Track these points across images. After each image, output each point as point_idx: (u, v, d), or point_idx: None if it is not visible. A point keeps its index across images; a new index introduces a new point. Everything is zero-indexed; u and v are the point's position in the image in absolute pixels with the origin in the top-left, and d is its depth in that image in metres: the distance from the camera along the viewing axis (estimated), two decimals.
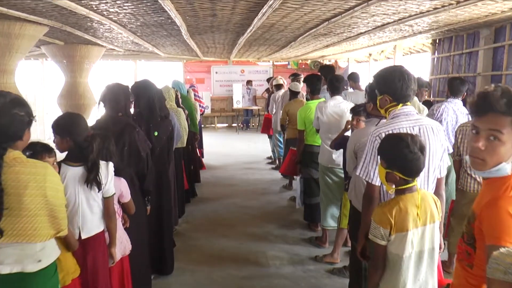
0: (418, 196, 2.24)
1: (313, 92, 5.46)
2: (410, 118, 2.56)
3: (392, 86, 2.58)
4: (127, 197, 3.11)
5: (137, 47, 9.82)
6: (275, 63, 17.21)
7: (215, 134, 15.16)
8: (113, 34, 7.26)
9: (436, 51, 8.64)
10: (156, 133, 3.88)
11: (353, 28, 6.46)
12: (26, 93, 14.09)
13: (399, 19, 5.72)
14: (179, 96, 6.74)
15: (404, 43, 10.05)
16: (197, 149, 7.71)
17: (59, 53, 9.27)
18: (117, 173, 3.07)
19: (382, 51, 11.84)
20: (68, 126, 2.67)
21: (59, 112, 10.27)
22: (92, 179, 2.62)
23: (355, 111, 4.10)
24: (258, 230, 5.76)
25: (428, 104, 5.53)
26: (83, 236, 2.68)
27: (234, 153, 11.38)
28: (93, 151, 2.61)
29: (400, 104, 2.59)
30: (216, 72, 16.55)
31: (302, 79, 8.53)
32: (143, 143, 3.43)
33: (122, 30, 6.56)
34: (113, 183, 2.83)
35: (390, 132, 2.48)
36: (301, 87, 7.50)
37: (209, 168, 9.42)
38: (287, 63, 17.05)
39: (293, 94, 7.34)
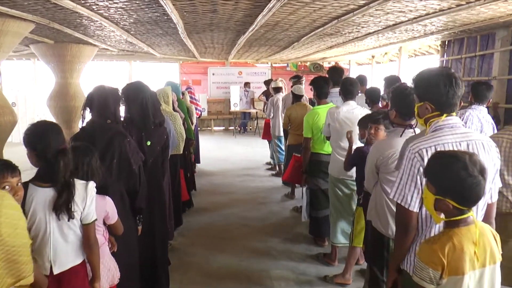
0: (475, 230, 1.79)
1: (320, 96, 5.02)
2: (456, 131, 2.12)
3: (436, 92, 2.13)
4: (113, 217, 2.66)
5: (131, 47, 9.35)
6: (273, 65, 16.78)
7: (212, 138, 14.70)
8: (105, 32, 6.80)
9: (445, 54, 8.23)
10: (149, 143, 3.42)
11: (363, 27, 6.03)
12: (15, 94, 13.67)
13: (414, 18, 5.30)
14: (175, 99, 6.31)
15: (410, 45, 9.66)
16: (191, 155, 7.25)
17: (49, 53, 8.79)
18: (104, 190, 2.62)
19: (386, 53, 11.44)
20: (34, 137, 2.22)
21: (50, 115, 9.83)
22: (61, 205, 2.16)
23: (373, 118, 3.66)
24: (260, 244, 5.31)
25: None
26: (56, 271, 2.22)
27: (232, 157, 10.92)
28: (60, 169, 2.14)
29: (445, 115, 2.15)
30: (213, 74, 16.10)
31: (303, 81, 8.13)
32: (135, 155, 2.97)
33: (114, 28, 6.10)
34: (96, 205, 2.38)
35: (433, 148, 2.04)
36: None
37: (206, 174, 8.98)
38: (286, 65, 16.62)
39: (296, 97, 6.91)
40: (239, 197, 7.40)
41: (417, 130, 3.06)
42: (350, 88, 4.51)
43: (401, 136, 3.00)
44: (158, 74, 16.77)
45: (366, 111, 4.55)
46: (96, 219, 2.36)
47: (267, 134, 9.27)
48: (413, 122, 3.08)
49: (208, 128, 16.44)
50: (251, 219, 6.27)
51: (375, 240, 3.29)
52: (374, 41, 7.90)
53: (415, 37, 7.37)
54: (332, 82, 5.25)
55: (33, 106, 14.09)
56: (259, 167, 9.76)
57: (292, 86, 7.97)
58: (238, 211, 6.61)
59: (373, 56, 12.18)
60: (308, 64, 16.51)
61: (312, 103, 7.45)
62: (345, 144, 4.41)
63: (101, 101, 2.97)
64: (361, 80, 6.90)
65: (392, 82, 5.38)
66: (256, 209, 6.72)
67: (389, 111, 3.16)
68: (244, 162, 10.31)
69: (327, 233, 5.17)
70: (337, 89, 5.47)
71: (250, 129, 16.34)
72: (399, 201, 2.14)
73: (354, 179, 4.32)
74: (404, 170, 2.14)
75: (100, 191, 2.60)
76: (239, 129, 15.72)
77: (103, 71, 16.22)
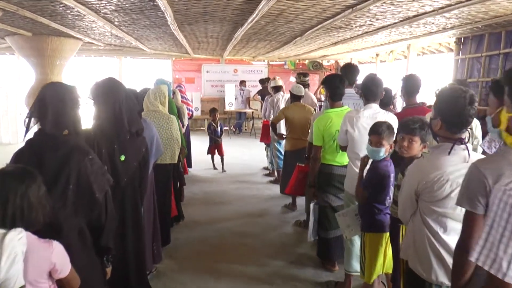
0: None
1: (334, 98, 4.27)
2: None
3: None
4: (64, 270, 1.91)
5: (118, 41, 8.58)
6: (270, 63, 16.03)
7: (205, 138, 13.81)
8: (85, 22, 6.03)
9: (460, 52, 7.52)
10: (123, 158, 2.68)
11: (378, 19, 5.31)
12: None
13: (440, 8, 4.58)
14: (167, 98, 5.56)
15: (418, 43, 8.95)
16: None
17: (27, 46, 8.01)
18: (55, 228, 1.89)
19: (392, 51, 10.72)
20: None
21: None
22: None
23: (407, 127, 2.94)
24: (260, 270, 4.56)
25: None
26: None
27: (226, 161, 10.08)
28: None
29: None
30: (207, 71, 15.32)
31: (308, 80, 7.42)
32: (100, 177, 2.22)
33: (94, 17, 5.34)
34: (37, 258, 1.64)
35: None
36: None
37: (198, 181, 8.23)
38: (283, 62, 15.87)
39: (295, 98, 6.19)
40: (234, 208, 6.65)
41: (469, 146, 2.34)
42: (373, 89, 3.79)
43: (449, 153, 2.28)
44: (149, 71, 15.99)
45: (392, 116, 3.83)
46: (23, 286, 1.61)
47: (265, 136, 8.53)
48: (464, 135, 2.36)
49: (202, 128, 15.66)
50: (249, 235, 5.53)
51: (412, 285, 2.57)
52: (384, 37, 7.18)
53: (431, 32, 6.66)
54: (349, 82, 4.51)
55: (15, 104, 13.23)
56: (256, 173, 9.01)
57: (303, 84, 7.25)
58: (234, 226, 5.87)
59: (377, 54, 11.46)
60: (306, 62, 15.78)
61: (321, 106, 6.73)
62: (363, 152, 3.70)
63: (56, 105, 2.21)
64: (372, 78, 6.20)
65: (412, 82, 4.66)
66: (254, 223, 5.98)
67: (431, 120, 2.43)
68: (239, 167, 9.56)
69: (338, 256, 4.46)
70: (351, 90, 4.76)
71: (246, 129, 15.59)
72: (487, 267, 1.41)
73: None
74: (494, 219, 1.41)
75: (49, 230, 1.87)
76: (234, 129, 14.95)
77: (90, 67, 15.44)
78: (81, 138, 2.29)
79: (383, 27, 5.95)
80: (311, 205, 4.50)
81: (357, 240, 3.86)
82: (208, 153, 9.05)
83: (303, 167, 5.57)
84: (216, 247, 5.14)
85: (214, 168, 8.97)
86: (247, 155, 10.87)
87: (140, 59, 15.36)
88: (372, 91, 3.79)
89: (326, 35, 6.86)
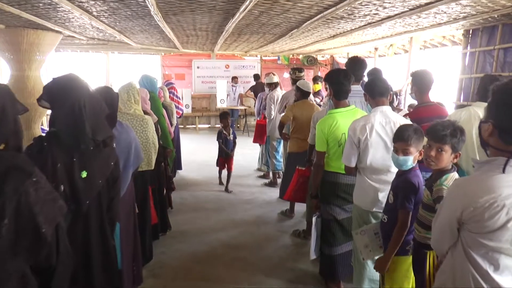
0: None
1: (339, 96, 3.73)
2: None
3: None
4: None
5: (101, 34, 7.97)
6: (263, 58, 15.46)
7: (196, 137, 13.37)
8: (60, 13, 5.44)
9: (469, 45, 7.01)
10: (84, 174, 2.12)
11: (385, 8, 4.77)
12: None
13: None
14: (147, 98, 5.01)
15: (422, 35, 8.44)
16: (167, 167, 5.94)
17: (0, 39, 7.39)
18: None
19: (392, 45, 10.20)
20: None
21: None
22: None
23: (435, 134, 2.41)
24: None
25: None
26: None
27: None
28: None
29: None
30: (198, 67, 14.73)
31: (304, 75, 6.89)
32: (48, 207, 1.67)
33: (69, 6, 4.75)
34: None
35: None
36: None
37: (187, 184, 7.68)
38: (277, 57, 15.30)
39: (304, 94, 5.66)
40: (227, 215, 6.10)
41: None
42: (382, 86, 3.26)
43: (504, 171, 1.74)
44: (137, 67, 15.36)
45: (402, 119, 3.30)
46: None
47: (259, 137, 7.99)
48: None
49: (193, 125, 15.10)
50: (243, 247, 5.00)
51: None
52: (388, 29, 6.64)
53: (440, 23, 6.13)
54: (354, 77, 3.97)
55: None
56: (250, 175, 8.47)
57: (293, 80, 6.72)
58: (226, 236, 5.33)
59: (376, 49, 10.93)
60: (301, 57, 15.22)
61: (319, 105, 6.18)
62: (382, 166, 3.18)
63: None
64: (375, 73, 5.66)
65: (425, 78, 4.16)
66: (248, 233, 5.45)
67: (481, 123, 1.86)
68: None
69: (344, 275, 3.95)
70: (357, 87, 4.23)
71: (238, 126, 15.03)
72: None
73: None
74: None
75: None
76: None
77: (76, 63, 14.80)
78: (22, 155, 1.74)
79: (389, 17, 5.41)
80: (314, 219, 3.97)
81: (369, 262, 3.34)
82: (216, 165, 7.75)
83: (303, 171, 5.07)
84: (206, 262, 4.60)
85: (220, 183, 7.71)
86: (240, 155, 10.29)
87: (128, 55, 14.76)
88: (380, 90, 3.26)
89: (325, 27, 6.31)
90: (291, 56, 15.23)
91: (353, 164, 3.35)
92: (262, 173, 8.29)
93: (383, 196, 3.20)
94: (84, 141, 2.11)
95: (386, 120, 3.19)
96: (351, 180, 3.71)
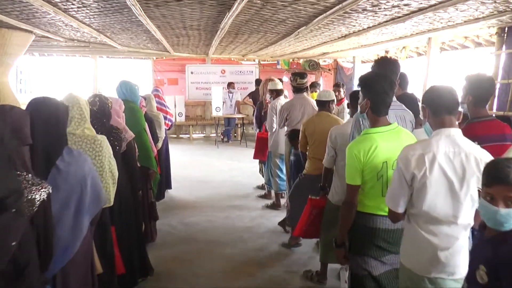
0: None
1: (379, 111, 2.69)
2: None
3: None
4: None
5: (78, 34, 6.96)
6: (261, 62, 14.47)
7: (190, 148, 12.33)
8: (17, 5, 4.44)
9: (504, 45, 6.04)
10: None
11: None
12: None
13: None
14: (121, 111, 3.98)
15: (441, 36, 7.48)
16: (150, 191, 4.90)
17: None
18: None
19: (404, 47, 9.23)
20: None
21: None
22: None
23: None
24: None
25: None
26: None
27: (213, 178, 8.58)
28: None
29: None
30: (192, 72, 13.72)
31: (307, 82, 5.89)
32: None
33: None
34: None
35: None
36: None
37: (177, 207, 6.64)
38: (276, 62, 14.31)
39: (321, 105, 4.66)
40: (221, 250, 5.05)
41: None
42: (453, 102, 2.24)
43: None
44: (127, 72, 14.39)
45: (487, 153, 2.26)
46: None
47: (260, 152, 6.98)
48: None
49: (187, 134, 14.08)
50: None
51: None
52: (411, 26, 5.66)
53: (470, 20, 5.17)
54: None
55: None
56: (248, 194, 7.43)
57: (294, 88, 5.72)
58: (221, 280, 4.30)
59: (387, 52, 9.94)
60: (301, 61, 14.24)
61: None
62: (445, 216, 2.17)
63: None
64: (403, 79, 4.60)
65: (483, 85, 3.18)
66: (249, 276, 4.41)
67: None
68: (228, 185, 7.98)
69: None
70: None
71: (235, 136, 14.01)
72: None
73: (463, 277, 2.12)
74: None
75: None
76: (222, 137, 13.34)
77: (60, 68, 13.82)
78: None
79: (419, 10, 4.42)
80: (340, 272, 2.95)
81: None
82: None
83: (317, 201, 4.10)
84: None
85: None
86: (237, 170, 9.29)
87: (117, 59, 13.80)
88: (448, 105, 2.24)
89: (339, 24, 5.31)
90: (291, 60, 14.26)
91: (401, 210, 2.34)
92: (263, 193, 7.25)
93: (445, 256, 2.20)
94: None
95: (455, 150, 2.16)
96: (393, 224, 2.71)
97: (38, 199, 1.77)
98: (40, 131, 2.25)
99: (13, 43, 6.72)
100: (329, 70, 14.27)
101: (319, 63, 13.99)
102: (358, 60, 11.65)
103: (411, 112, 3.39)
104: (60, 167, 2.27)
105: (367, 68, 11.94)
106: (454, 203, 2.13)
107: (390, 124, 2.73)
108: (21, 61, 11.73)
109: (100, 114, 3.52)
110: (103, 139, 3.10)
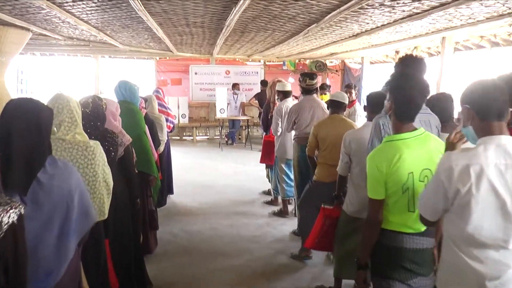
0: None
1: (403, 117, 2.34)
2: None
3: None
4: None
5: (77, 32, 6.66)
6: (267, 63, 14.14)
7: (193, 150, 12.02)
8: (15, 0, 4.14)
9: None
10: None
11: None
12: None
13: None
14: (117, 112, 3.67)
15: (456, 35, 7.14)
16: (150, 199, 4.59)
17: None
18: None
19: (415, 47, 8.89)
20: None
21: None
22: None
23: None
24: None
25: None
26: None
27: (217, 182, 8.26)
28: None
29: None
30: (196, 73, 13.41)
31: (316, 83, 5.57)
32: None
33: None
34: None
35: None
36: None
37: (179, 213, 6.34)
38: (282, 63, 13.98)
39: (335, 107, 4.33)
40: (226, 262, 4.72)
41: None
42: (504, 104, 1.89)
43: None
44: (130, 72, 14.10)
45: None
46: None
47: (266, 156, 6.66)
48: None
49: (190, 136, 13.77)
50: None
51: None
52: (428, 24, 5.33)
53: (493, 17, 4.84)
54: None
55: None
56: (254, 200, 7.10)
57: (303, 90, 5.41)
58: None
59: (397, 52, 9.60)
60: (307, 62, 13.91)
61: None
62: (492, 239, 1.84)
63: None
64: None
65: None
66: None
67: None
68: (233, 190, 7.65)
69: None
70: None
71: (239, 138, 13.69)
72: None
73: None
74: None
75: None
76: (226, 139, 13.03)
77: (62, 68, 13.57)
78: None
79: (441, 5, 4.09)
80: None
81: None
82: None
83: (331, 211, 3.80)
84: None
85: None
86: (242, 174, 8.96)
87: (120, 59, 13.52)
88: (499, 108, 1.89)
89: (353, 21, 4.99)
90: (296, 61, 13.92)
91: (434, 219, 2.04)
92: (269, 198, 6.93)
93: (495, 286, 1.87)
94: None
95: (507, 162, 1.82)
96: (421, 243, 2.38)
97: (6, 222, 1.46)
98: (18, 138, 1.94)
99: (9, 40, 6.43)
100: (336, 71, 13.92)
101: (326, 64, 13.66)
102: (366, 61, 11.29)
103: (436, 117, 3.07)
104: (42, 181, 1.96)
105: (376, 70, 11.69)
106: (506, 225, 1.79)
107: (416, 129, 2.40)
108: (22, 61, 11.54)
109: (93, 116, 3.21)
110: (96, 145, 2.80)
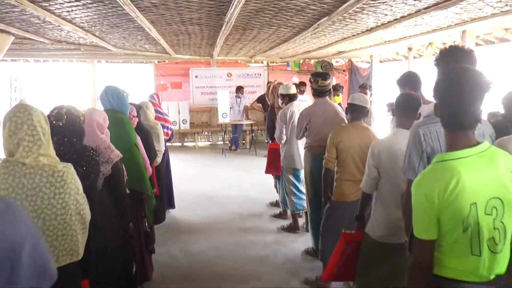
0: None
1: (454, 125, 1.75)
2: None
3: None
4: None
5: (64, 35, 6.11)
6: (270, 64, 13.56)
7: (195, 157, 11.43)
8: None
9: None
10: None
11: None
12: None
13: None
14: (105, 125, 3.13)
15: (478, 28, 6.56)
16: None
17: None
18: None
19: (430, 44, 8.29)
20: None
21: None
22: None
23: None
24: None
25: None
26: None
27: (220, 192, 7.68)
28: None
29: None
30: (196, 76, 12.85)
31: (330, 83, 4.99)
32: None
33: None
34: None
35: None
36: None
37: (180, 230, 5.77)
38: (286, 63, 13.40)
39: (355, 113, 3.74)
40: None
41: None
42: None
43: None
44: (128, 77, 13.58)
45: None
46: None
47: (272, 166, 6.07)
48: None
49: (192, 142, 13.21)
50: None
51: None
52: (452, 15, 4.75)
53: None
54: None
55: None
56: (261, 213, 6.50)
57: (315, 91, 4.82)
58: None
59: (410, 49, 8.99)
60: (312, 62, 13.32)
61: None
62: None
63: None
64: (415, 81, 3.54)
65: None
66: None
67: None
68: (238, 201, 7.06)
69: None
70: None
71: (243, 143, 13.11)
72: None
73: None
74: None
75: None
76: (230, 145, 12.44)
77: (56, 74, 13.11)
78: None
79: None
80: None
81: None
82: None
83: (352, 235, 3.21)
84: None
85: None
86: (247, 182, 8.37)
87: (117, 64, 13.01)
88: None
89: (371, 12, 4.40)
90: (301, 61, 13.33)
91: None
92: (278, 211, 6.34)
93: None
94: None
95: None
96: None
97: None
98: None
99: None
100: (343, 71, 13.32)
101: (332, 64, 13.06)
102: (375, 59, 10.70)
103: (489, 124, 2.48)
104: None
105: (385, 68, 11.09)
106: None
107: (479, 143, 1.80)
108: (15, 68, 11.06)
109: (68, 131, 2.65)
110: (66, 168, 2.24)
